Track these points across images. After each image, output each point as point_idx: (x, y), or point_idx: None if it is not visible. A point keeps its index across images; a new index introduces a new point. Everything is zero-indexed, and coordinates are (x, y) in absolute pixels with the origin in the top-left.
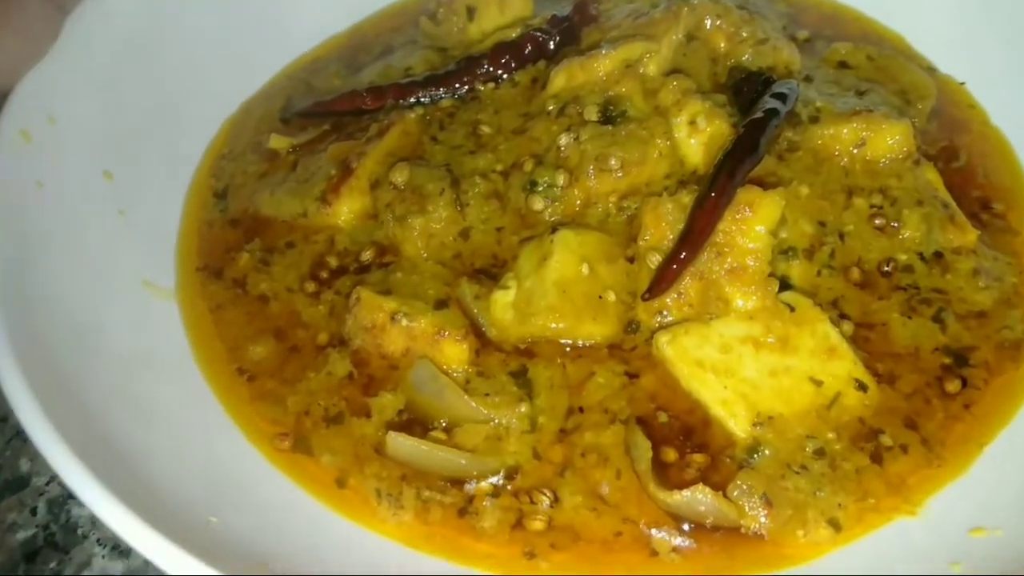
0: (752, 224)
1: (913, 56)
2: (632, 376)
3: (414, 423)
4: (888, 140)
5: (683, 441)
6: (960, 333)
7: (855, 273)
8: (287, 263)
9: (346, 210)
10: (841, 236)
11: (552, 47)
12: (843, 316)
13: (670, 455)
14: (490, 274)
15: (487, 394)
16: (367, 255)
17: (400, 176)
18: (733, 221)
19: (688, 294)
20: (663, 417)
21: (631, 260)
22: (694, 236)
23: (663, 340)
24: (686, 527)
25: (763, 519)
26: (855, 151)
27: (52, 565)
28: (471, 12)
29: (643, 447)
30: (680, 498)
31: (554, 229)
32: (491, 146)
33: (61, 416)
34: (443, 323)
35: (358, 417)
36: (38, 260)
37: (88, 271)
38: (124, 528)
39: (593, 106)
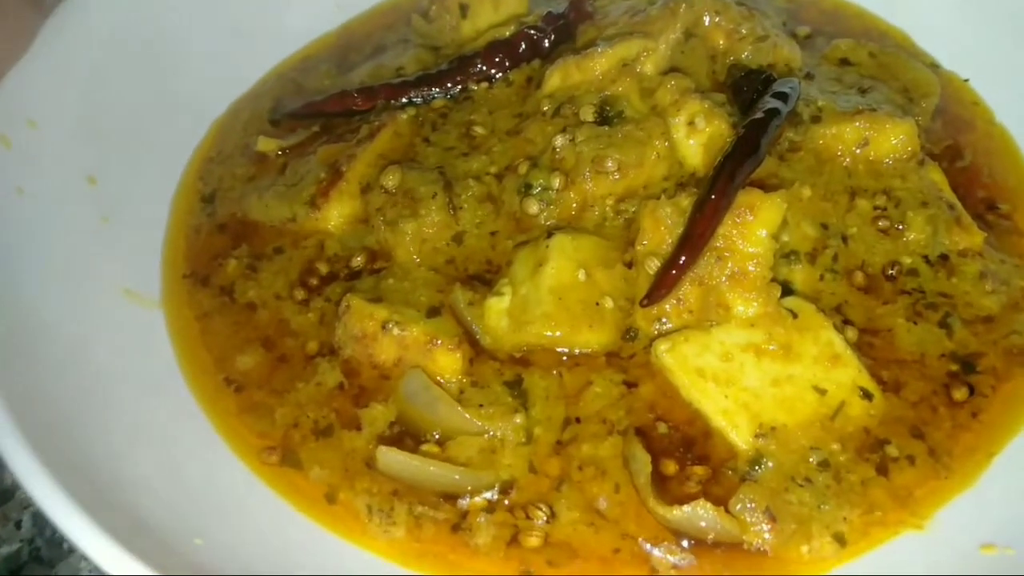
0: (753, 228)
1: (916, 52)
2: (630, 385)
3: (406, 435)
4: (892, 140)
5: (683, 453)
6: (967, 339)
7: (859, 277)
8: (276, 270)
9: (336, 215)
10: (844, 239)
11: (547, 45)
12: (847, 322)
13: (670, 468)
14: (484, 280)
15: (481, 405)
16: (358, 261)
17: (391, 179)
18: (734, 225)
19: (688, 300)
20: (662, 428)
21: (629, 265)
22: (694, 240)
23: (662, 348)
24: (687, 543)
25: (766, 535)
26: (858, 151)
27: None
28: (464, 9)
29: (642, 460)
30: (681, 514)
31: (550, 234)
32: (485, 148)
33: (37, 433)
34: (436, 331)
35: (348, 430)
36: (18, 269)
37: (70, 280)
38: (105, 558)
39: (589, 106)
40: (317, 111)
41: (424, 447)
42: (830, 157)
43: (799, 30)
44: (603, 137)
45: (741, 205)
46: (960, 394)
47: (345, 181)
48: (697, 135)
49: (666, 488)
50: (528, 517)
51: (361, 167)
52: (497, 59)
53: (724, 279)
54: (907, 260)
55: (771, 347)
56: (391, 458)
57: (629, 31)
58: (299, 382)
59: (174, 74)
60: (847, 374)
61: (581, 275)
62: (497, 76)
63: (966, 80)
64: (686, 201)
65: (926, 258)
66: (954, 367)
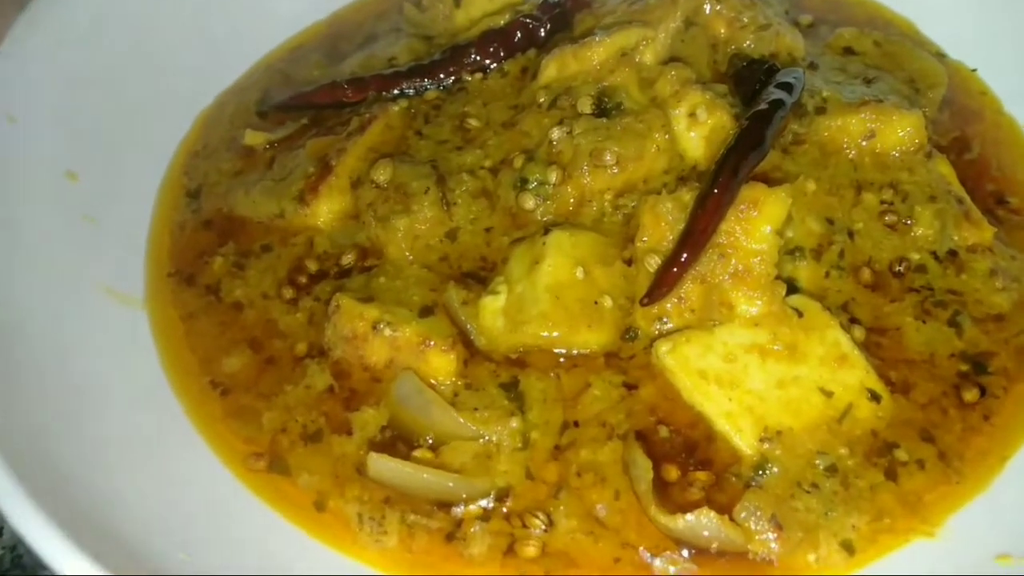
0: (757, 224)
1: (922, 42)
2: (630, 387)
3: (398, 440)
4: (899, 132)
5: (685, 458)
6: (977, 338)
7: (865, 274)
8: (263, 267)
9: (325, 210)
10: (850, 234)
11: (543, 35)
12: (854, 321)
13: (672, 473)
14: (479, 278)
15: (476, 408)
16: (348, 259)
17: (383, 174)
18: (737, 220)
19: (689, 299)
20: (664, 432)
21: (628, 263)
22: (696, 237)
23: (663, 349)
24: (689, 553)
25: (772, 543)
26: (864, 143)
27: None
28: None
29: (643, 466)
30: (684, 522)
31: (546, 230)
32: (479, 141)
33: (11, 443)
34: (428, 332)
35: (338, 434)
36: None
37: (50, 280)
38: None
39: (587, 97)
40: (306, 103)
41: (417, 453)
42: (835, 150)
43: (801, 18)
44: (601, 129)
45: (745, 200)
46: (971, 395)
47: (335, 175)
48: (698, 127)
49: (668, 495)
50: (525, 526)
51: (351, 161)
52: (492, 49)
53: (727, 277)
54: (915, 256)
55: (776, 347)
56: (382, 465)
57: (628, 20)
58: (287, 385)
59: (158, 65)
60: (854, 375)
61: (579, 273)
62: (492, 66)
63: (974, 70)
64: (687, 196)
65: (935, 254)
66: (964, 367)
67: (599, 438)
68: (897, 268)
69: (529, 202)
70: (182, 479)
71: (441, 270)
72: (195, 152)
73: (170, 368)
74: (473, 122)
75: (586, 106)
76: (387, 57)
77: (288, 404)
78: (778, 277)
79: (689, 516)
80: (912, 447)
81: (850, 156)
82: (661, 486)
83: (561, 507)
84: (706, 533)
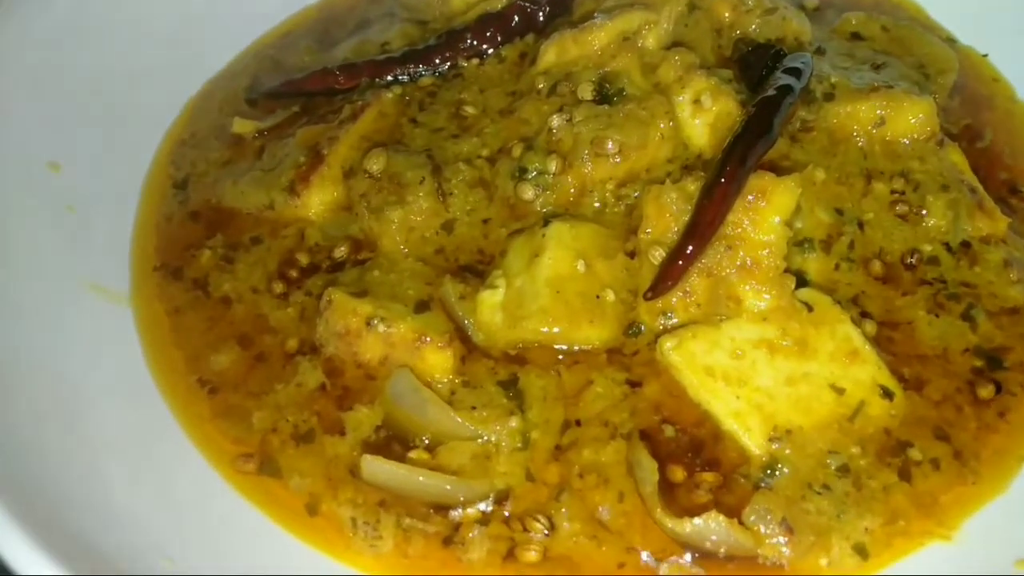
0: (766, 214)
1: (931, 26)
2: (634, 385)
3: (393, 440)
4: (910, 118)
5: (691, 458)
6: (992, 332)
7: (876, 266)
8: (252, 261)
9: (317, 201)
10: (860, 225)
11: (542, 18)
12: (865, 315)
13: (678, 474)
14: (476, 271)
15: (474, 407)
16: (341, 251)
17: (376, 163)
18: (745, 211)
19: (695, 293)
20: (669, 431)
21: (631, 255)
22: (702, 228)
23: (668, 345)
24: (697, 557)
25: (783, 548)
26: (874, 131)
27: None
28: None
29: (648, 467)
30: (691, 526)
31: (546, 221)
32: (476, 129)
33: None
34: (424, 328)
35: (331, 435)
36: None
37: (31, 274)
38: None
39: (587, 83)
40: (297, 90)
41: (413, 453)
42: (844, 137)
43: (807, 2)
44: (603, 117)
45: (752, 190)
46: (986, 392)
47: (326, 165)
48: (703, 114)
49: (674, 497)
50: (525, 529)
51: (344, 150)
52: (488, 33)
53: (734, 270)
54: (927, 248)
55: (785, 343)
56: (377, 467)
57: (629, 2)
58: (278, 383)
59: (143, 51)
60: (866, 371)
61: (580, 266)
62: (489, 52)
63: (985, 55)
64: (693, 186)
65: (947, 245)
66: (979, 363)
67: (602, 438)
68: (909, 260)
69: (528, 192)
70: (167, 481)
71: (437, 263)
72: (182, 141)
73: (156, 366)
74: (470, 109)
75: (587, 92)
76: (380, 42)
77: (279, 403)
78: (787, 270)
79: (697, 520)
80: (926, 446)
81: (860, 144)
82: (667, 488)
83: (563, 510)
84: (714, 537)
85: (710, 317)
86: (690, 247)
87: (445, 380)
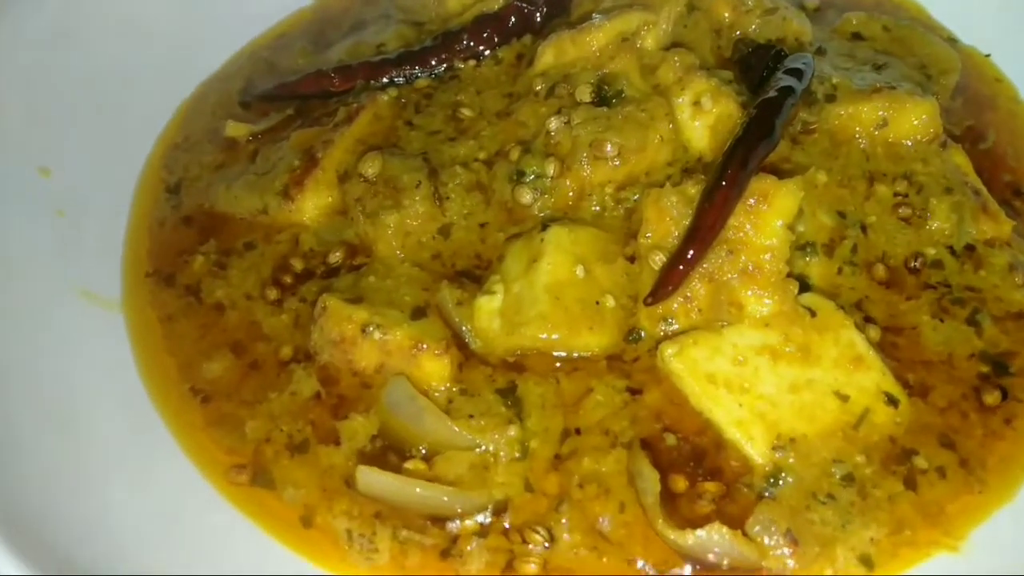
0: (768, 218)
1: (932, 26)
2: (634, 392)
3: (389, 450)
4: (912, 120)
5: (693, 467)
6: (997, 337)
7: (880, 270)
8: (246, 267)
9: (311, 206)
10: (863, 228)
11: (539, 19)
12: (868, 320)
13: (680, 484)
14: (473, 277)
15: (471, 416)
16: (335, 257)
17: (372, 167)
18: (746, 215)
19: (696, 298)
20: (670, 439)
21: (631, 260)
22: (703, 233)
23: (669, 352)
24: (699, 569)
25: (788, 560)
26: (876, 132)
27: None
28: None
29: (650, 477)
30: (694, 538)
31: (544, 226)
32: (473, 132)
33: None
34: (421, 335)
35: (326, 444)
36: None
37: (21, 281)
38: None
39: (586, 85)
40: (291, 93)
41: (409, 464)
42: (846, 139)
43: (807, 2)
44: (601, 119)
45: (754, 193)
46: (992, 398)
47: (321, 169)
48: (703, 116)
49: (675, 507)
50: (524, 541)
51: (338, 153)
52: (485, 35)
53: (736, 275)
54: (931, 251)
55: (788, 349)
56: (372, 478)
57: (628, 3)
58: (272, 391)
59: (135, 53)
60: (870, 378)
61: (579, 271)
62: (485, 53)
63: (987, 55)
64: (693, 189)
65: (951, 249)
66: (985, 368)
67: (602, 446)
68: (912, 264)
69: (526, 196)
70: (159, 492)
71: (434, 269)
72: (175, 145)
73: (148, 373)
74: (466, 112)
75: (585, 94)
76: (376, 44)
77: (272, 412)
78: (789, 274)
79: (700, 532)
80: (932, 454)
81: (862, 146)
82: (668, 498)
83: (563, 521)
84: (717, 549)
85: (712, 323)
86: (691, 252)
87: (442, 388)
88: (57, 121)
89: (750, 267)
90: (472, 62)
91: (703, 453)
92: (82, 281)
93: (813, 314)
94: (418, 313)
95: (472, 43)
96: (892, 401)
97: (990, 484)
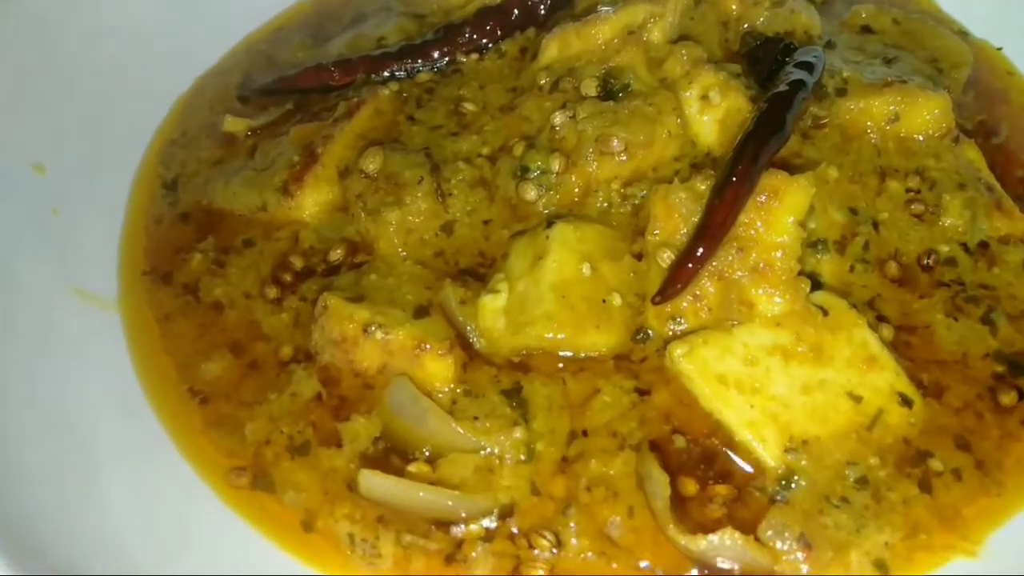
0: (779, 214)
1: (942, 19)
2: (643, 393)
3: (392, 453)
4: (924, 114)
5: (704, 470)
6: (1012, 336)
7: (892, 268)
8: (245, 265)
9: (311, 202)
10: (875, 225)
11: (543, 11)
12: (881, 319)
13: (690, 487)
14: (477, 275)
15: (476, 417)
16: (336, 254)
17: (373, 162)
18: (757, 211)
19: (706, 297)
20: (680, 441)
21: (638, 257)
22: (712, 230)
23: (678, 352)
24: (709, 574)
25: (801, 565)
26: (887, 127)
27: None
28: None
29: (660, 481)
30: (706, 543)
31: (549, 223)
32: (476, 126)
33: None
34: (424, 334)
35: (327, 447)
36: None
37: (15, 279)
38: None
39: (591, 79)
40: (290, 87)
41: (412, 467)
42: (857, 134)
43: None
44: (607, 113)
45: (765, 189)
46: (1008, 398)
47: (321, 165)
48: (712, 110)
49: (685, 511)
50: (531, 546)
51: (339, 149)
52: (488, 27)
53: (746, 273)
54: (944, 248)
55: (800, 349)
56: (375, 482)
57: None
58: (272, 392)
59: (132, 47)
60: (884, 378)
61: (585, 269)
62: (488, 46)
63: (999, 48)
64: (702, 185)
65: (964, 246)
66: (1000, 368)
67: (610, 449)
68: (925, 261)
69: (530, 192)
70: (157, 495)
71: (436, 266)
72: (172, 140)
73: (145, 374)
74: (469, 106)
75: (591, 88)
76: (376, 37)
77: (272, 413)
78: (801, 272)
79: (712, 537)
80: (947, 456)
81: (873, 141)
82: (678, 502)
83: (570, 525)
84: (729, 555)
85: (721, 322)
86: (700, 249)
87: (446, 389)
88: (51, 117)
89: (761, 265)
90: (475, 55)
91: (713, 455)
92: (77, 280)
93: (825, 313)
94: (421, 312)
95: (475, 36)
96: (906, 402)
97: (1008, 486)
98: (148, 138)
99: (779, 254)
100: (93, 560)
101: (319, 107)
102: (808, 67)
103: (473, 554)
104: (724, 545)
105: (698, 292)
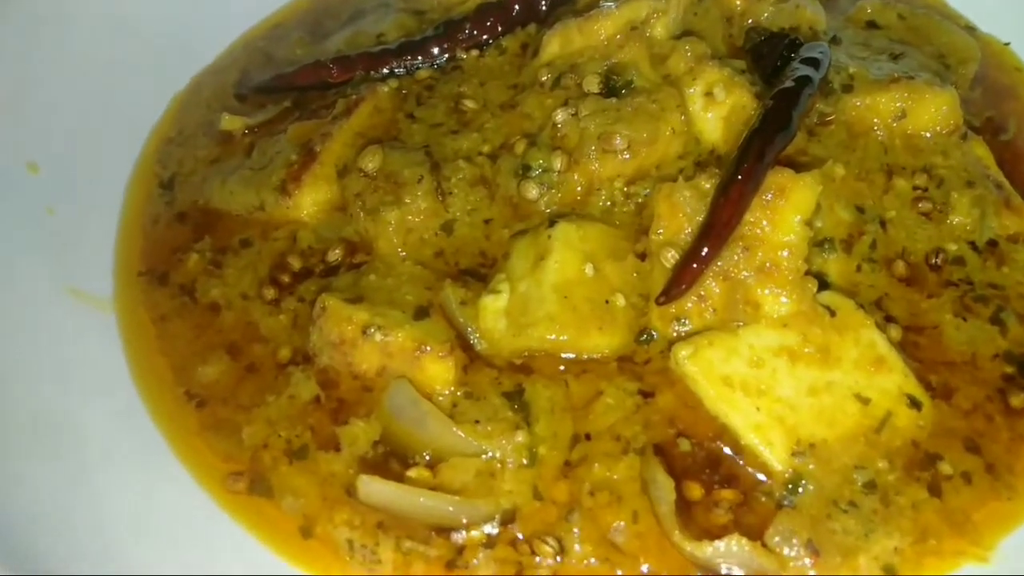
0: (785, 213)
1: (949, 14)
2: (647, 395)
3: (392, 457)
4: (932, 111)
5: (709, 474)
6: (1022, 336)
7: (900, 267)
8: (242, 265)
9: (310, 202)
10: (882, 224)
11: (544, 7)
12: (889, 319)
13: (695, 491)
14: (478, 275)
15: (477, 421)
16: (335, 255)
17: (372, 161)
18: (763, 210)
19: (711, 297)
20: (685, 445)
21: (642, 257)
22: (718, 229)
23: (683, 353)
24: None
25: (809, 571)
26: (894, 124)
27: None
28: None
29: (665, 485)
30: (712, 550)
31: (551, 222)
32: (476, 124)
33: None
34: (424, 336)
35: (326, 451)
36: None
37: (9, 279)
38: None
39: (593, 76)
40: (288, 84)
41: (412, 471)
42: (864, 131)
43: None
44: (610, 111)
45: (770, 187)
46: (1018, 400)
47: (319, 163)
48: (716, 107)
49: (691, 516)
50: (534, 552)
51: (337, 147)
52: (488, 23)
53: (752, 272)
54: (952, 247)
55: (807, 350)
56: (374, 488)
57: None
58: (269, 395)
59: (127, 44)
60: (892, 380)
61: (588, 269)
62: (489, 43)
63: (1007, 43)
64: (707, 183)
65: (973, 244)
66: (1009, 369)
67: (614, 452)
68: (933, 260)
69: (532, 191)
70: (152, 500)
71: (437, 267)
72: (168, 139)
73: (140, 376)
74: (469, 104)
75: (593, 85)
76: (375, 34)
77: (270, 416)
78: (807, 272)
79: (718, 543)
80: (956, 459)
81: (880, 138)
82: (683, 506)
83: (573, 530)
84: (736, 561)
85: (727, 323)
86: (705, 249)
87: (446, 392)
88: (46, 115)
89: (767, 264)
90: (475, 52)
91: (719, 459)
92: (72, 280)
93: (832, 313)
94: (421, 313)
95: (475, 32)
96: (915, 404)
97: (1019, 490)
98: (144, 137)
99: (785, 253)
100: (85, 563)
101: (317, 105)
102: (814, 63)
103: (475, 561)
104: (730, 551)
105: (703, 292)
